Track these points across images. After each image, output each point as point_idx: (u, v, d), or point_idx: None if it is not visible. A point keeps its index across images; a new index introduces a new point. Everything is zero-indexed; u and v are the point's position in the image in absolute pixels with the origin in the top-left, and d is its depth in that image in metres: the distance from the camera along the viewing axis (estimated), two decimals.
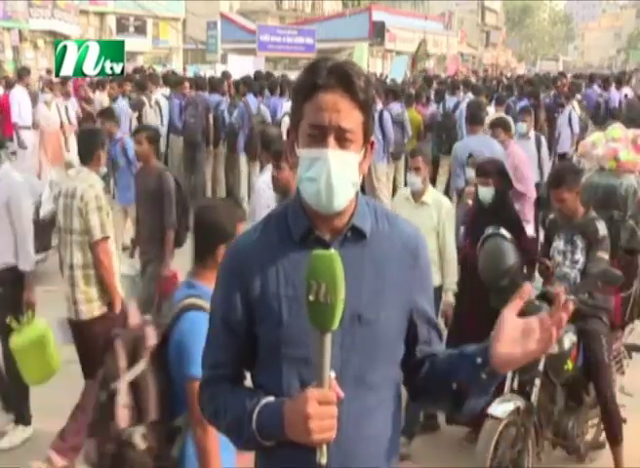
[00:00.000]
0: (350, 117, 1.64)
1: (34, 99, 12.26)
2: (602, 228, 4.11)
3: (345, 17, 38.59)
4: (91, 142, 4.50)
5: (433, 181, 10.71)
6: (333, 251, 1.55)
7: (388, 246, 1.75)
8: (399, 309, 1.74)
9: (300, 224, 1.72)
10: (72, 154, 11.96)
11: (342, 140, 1.64)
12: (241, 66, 20.35)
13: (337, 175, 1.63)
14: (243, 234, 1.85)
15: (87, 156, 4.46)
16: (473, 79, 18.12)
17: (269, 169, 4.97)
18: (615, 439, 4.08)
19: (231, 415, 1.68)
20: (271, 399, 1.64)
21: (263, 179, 4.91)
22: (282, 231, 1.74)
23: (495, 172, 4.63)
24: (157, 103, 11.32)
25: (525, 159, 6.67)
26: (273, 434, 1.61)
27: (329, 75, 1.64)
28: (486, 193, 4.63)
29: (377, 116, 9.50)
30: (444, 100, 11.08)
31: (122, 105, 10.36)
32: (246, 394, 1.69)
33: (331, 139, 1.63)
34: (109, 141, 8.01)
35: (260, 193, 4.85)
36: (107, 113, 8.20)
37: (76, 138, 5.39)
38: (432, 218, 4.57)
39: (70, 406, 4.87)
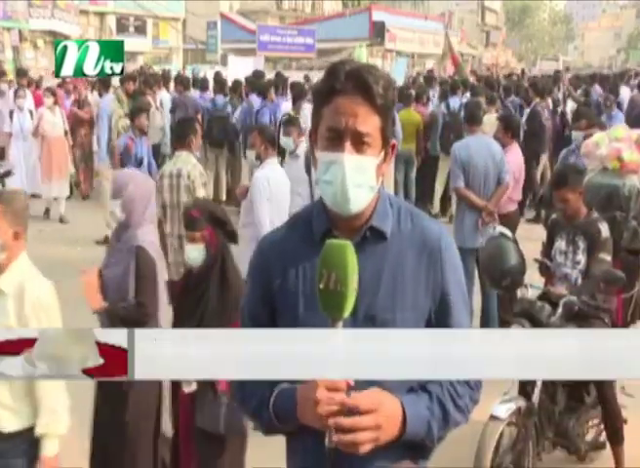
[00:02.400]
0: (368, 121, 1.67)
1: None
2: (604, 229, 4.10)
3: (345, 17, 38.54)
4: (185, 129, 5.17)
5: (433, 182, 10.74)
6: (346, 241, 1.57)
7: (409, 246, 1.76)
8: (417, 311, 1.75)
9: (321, 224, 1.77)
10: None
11: (359, 144, 1.67)
12: (243, 67, 20.33)
13: (352, 178, 1.66)
14: (271, 232, 1.92)
15: (182, 141, 5.09)
16: (472, 79, 18.08)
17: (270, 163, 5.01)
18: (616, 439, 4.08)
19: (255, 401, 1.76)
20: (287, 385, 1.71)
21: (264, 174, 4.95)
22: (306, 230, 1.79)
23: (207, 219, 3.30)
24: (161, 104, 11.29)
25: (520, 162, 6.64)
26: (289, 418, 1.69)
27: (347, 80, 1.67)
28: (193, 253, 3.29)
29: None
30: (447, 101, 11.05)
31: (108, 101, 10.11)
32: (267, 381, 1.73)
33: (347, 143, 1.66)
34: (140, 137, 7.56)
35: (259, 188, 4.89)
36: (139, 107, 8.01)
37: (173, 127, 5.65)
38: (7, 315, 2.76)
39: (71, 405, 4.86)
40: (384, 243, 1.75)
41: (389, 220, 1.76)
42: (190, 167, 5.02)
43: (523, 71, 23.13)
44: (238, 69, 18.34)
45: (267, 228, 4.71)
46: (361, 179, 1.67)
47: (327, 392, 1.57)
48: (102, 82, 10.55)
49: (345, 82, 1.67)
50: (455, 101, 10.79)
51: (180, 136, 5.19)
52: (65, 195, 10.71)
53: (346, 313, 1.54)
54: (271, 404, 1.71)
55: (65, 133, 10.65)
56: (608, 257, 4.06)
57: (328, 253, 1.55)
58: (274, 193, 4.90)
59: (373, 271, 1.71)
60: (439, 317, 1.77)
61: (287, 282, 1.77)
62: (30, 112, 11.14)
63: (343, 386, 1.57)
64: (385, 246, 1.75)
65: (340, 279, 1.52)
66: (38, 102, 11.89)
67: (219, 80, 12.58)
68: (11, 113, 11.33)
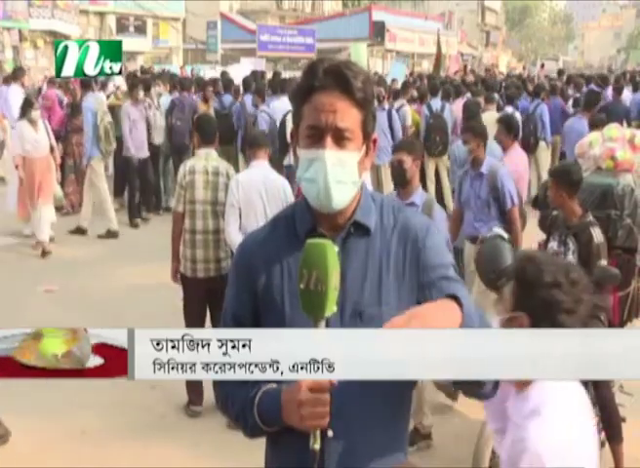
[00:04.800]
0: (347, 116, 1.66)
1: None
2: (596, 235, 4.11)
3: (345, 16, 38.57)
4: (211, 126, 5.24)
5: (424, 184, 10.75)
6: (326, 240, 1.56)
7: (393, 240, 1.75)
8: (403, 304, 1.72)
9: (304, 222, 1.76)
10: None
11: (340, 140, 1.66)
12: (245, 70, 20.33)
13: (334, 175, 1.65)
14: (253, 232, 1.89)
15: (209, 138, 5.13)
16: (471, 79, 18.06)
17: (253, 166, 4.97)
18: (614, 438, 4.07)
19: (237, 404, 1.74)
20: (272, 386, 1.68)
21: (236, 178, 4.90)
22: (289, 229, 1.78)
23: None
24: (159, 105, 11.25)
25: (524, 162, 6.63)
26: (273, 420, 1.67)
27: (325, 76, 1.66)
28: None
29: (385, 115, 9.48)
30: (429, 103, 11.02)
31: (90, 102, 9.92)
32: (250, 383, 1.70)
33: (328, 140, 1.65)
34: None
35: (229, 192, 4.83)
36: None
37: (196, 124, 5.48)
38: None
39: (71, 405, 4.87)
40: (368, 238, 1.74)
41: (372, 215, 1.75)
42: (227, 165, 5.09)
43: (465, 67, 23.81)
44: (239, 69, 18.32)
45: (234, 235, 4.70)
46: (343, 175, 1.66)
47: (310, 393, 1.56)
48: (82, 82, 10.13)
49: (324, 78, 1.66)
50: (436, 103, 10.76)
51: (208, 133, 5.16)
52: (50, 220, 8.96)
53: (328, 312, 1.53)
54: (255, 406, 1.69)
55: (52, 149, 8.90)
56: (604, 262, 4.08)
57: (308, 253, 1.53)
58: (242, 198, 4.81)
59: (358, 266, 1.70)
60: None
61: (272, 282, 1.75)
62: (46, 126, 9.22)
63: (327, 386, 1.56)
64: (370, 241, 1.74)
65: (320, 278, 1.50)
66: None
67: (226, 80, 12.60)
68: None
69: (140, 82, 11.05)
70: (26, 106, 8.61)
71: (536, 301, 2.06)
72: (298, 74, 15.83)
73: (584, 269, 4.06)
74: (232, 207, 4.79)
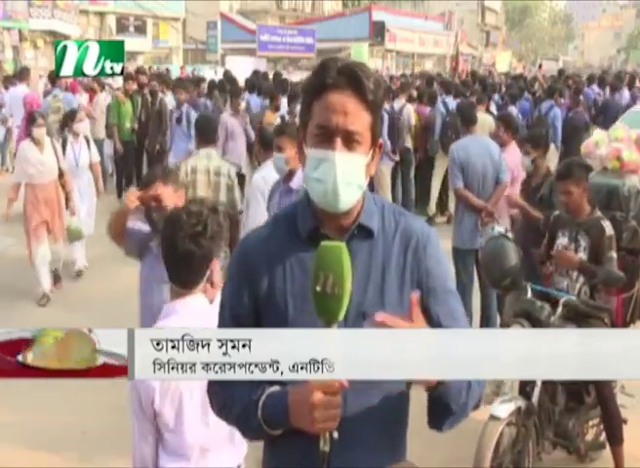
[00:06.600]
0: (358, 119, 1.65)
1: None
2: (608, 228, 4.13)
3: (345, 16, 38.61)
4: (211, 126, 5.34)
5: (429, 183, 10.73)
6: (341, 243, 1.56)
7: (395, 243, 1.76)
8: (404, 307, 1.72)
9: (307, 223, 1.75)
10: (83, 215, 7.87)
11: (350, 142, 1.65)
12: (242, 67, 20.32)
13: (343, 177, 1.64)
14: (253, 231, 1.88)
15: (209, 138, 5.22)
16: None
17: (268, 165, 4.99)
18: (615, 439, 4.07)
19: (239, 406, 1.71)
20: (276, 388, 1.67)
21: (262, 175, 4.92)
22: (291, 229, 1.77)
23: None
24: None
25: (519, 161, 6.65)
26: (279, 422, 1.65)
27: (338, 75, 1.65)
28: None
29: None
30: (445, 101, 11.02)
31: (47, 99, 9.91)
32: (252, 384, 1.68)
33: (338, 142, 1.65)
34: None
35: (255, 187, 4.87)
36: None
37: (196, 124, 5.41)
38: None
39: (71, 405, 4.87)
40: (371, 240, 1.75)
41: (376, 218, 1.76)
42: (229, 165, 5.14)
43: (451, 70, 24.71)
44: (239, 70, 18.32)
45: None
46: (351, 178, 1.66)
47: (323, 395, 1.54)
48: (49, 77, 9.96)
49: (337, 77, 1.65)
50: (452, 101, 10.76)
51: (207, 133, 5.21)
52: (61, 258, 7.60)
53: (342, 315, 1.54)
54: (260, 408, 1.66)
55: (61, 174, 7.17)
56: (615, 254, 4.09)
57: (323, 255, 1.53)
58: (266, 194, 4.83)
59: (361, 269, 1.70)
60: (430, 309, 1.75)
61: (274, 282, 1.74)
62: (87, 140, 8.09)
63: (338, 388, 1.55)
64: (372, 243, 1.75)
65: (336, 281, 1.51)
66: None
67: (229, 79, 12.61)
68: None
69: (237, 91, 10.38)
70: (28, 123, 7.28)
71: None
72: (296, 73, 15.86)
73: (596, 263, 4.10)
74: (263, 202, 4.74)
